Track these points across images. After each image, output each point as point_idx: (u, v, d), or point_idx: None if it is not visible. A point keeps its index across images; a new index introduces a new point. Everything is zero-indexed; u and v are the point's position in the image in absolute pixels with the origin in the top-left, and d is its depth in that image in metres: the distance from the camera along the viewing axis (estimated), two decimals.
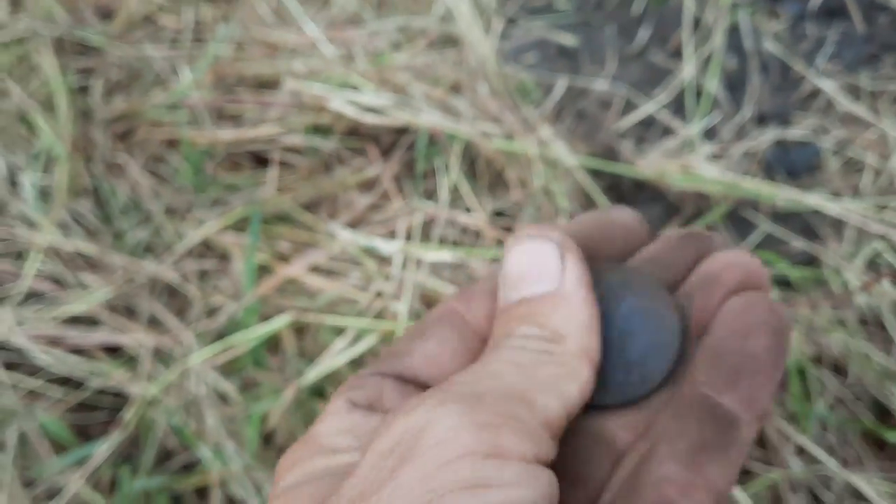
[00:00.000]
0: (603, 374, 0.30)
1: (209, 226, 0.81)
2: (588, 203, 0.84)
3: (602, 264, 0.33)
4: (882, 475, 0.66)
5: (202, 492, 0.76)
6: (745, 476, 0.69)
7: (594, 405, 0.31)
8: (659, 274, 0.34)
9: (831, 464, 0.63)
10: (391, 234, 0.80)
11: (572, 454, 0.29)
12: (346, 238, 0.76)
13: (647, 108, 0.90)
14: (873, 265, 0.80)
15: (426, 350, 0.32)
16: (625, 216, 0.35)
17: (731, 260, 0.31)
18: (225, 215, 0.81)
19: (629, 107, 0.91)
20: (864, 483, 0.63)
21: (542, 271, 0.29)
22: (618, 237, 0.35)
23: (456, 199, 0.83)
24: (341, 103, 0.81)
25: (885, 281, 0.74)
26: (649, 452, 0.28)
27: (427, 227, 0.81)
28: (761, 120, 0.93)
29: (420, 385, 0.31)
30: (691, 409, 0.28)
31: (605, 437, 0.30)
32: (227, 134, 0.84)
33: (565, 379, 0.27)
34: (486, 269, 0.35)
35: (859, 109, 0.90)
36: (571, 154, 0.81)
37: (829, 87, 0.92)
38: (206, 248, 0.82)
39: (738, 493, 0.60)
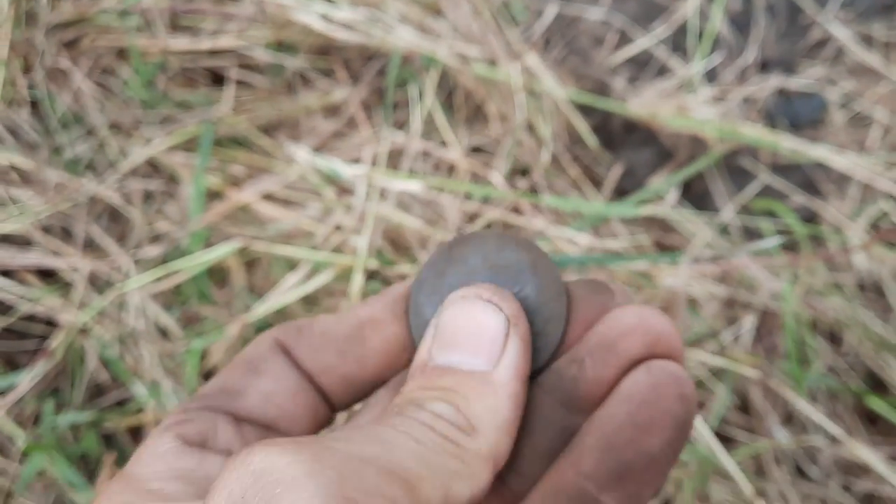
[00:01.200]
0: None
1: (157, 143, 0.73)
2: (574, 142, 0.77)
3: (497, 233, 0.30)
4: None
5: (136, 431, 0.70)
6: (728, 444, 0.64)
7: None
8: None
9: (831, 429, 0.57)
10: (355, 163, 0.73)
11: None
12: (304, 160, 0.69)
13: (643, 42, 0.83)
14: (876, 227, 0.74)
15: (260, 388, 0.29)
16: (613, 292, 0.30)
17: (635, 323, 0.27)
18: (174, 133, 0.74)
19: (624, 40, 0.84)
20: (866, 451, 0.57)
21: (481, 345, 0.26)
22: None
23: (430, 132, 0.76)
24: (309, 15, 0.73)
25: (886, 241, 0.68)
26: None
27: (396, 159, 0.74)
28: (764, 66, 0.86)
29: (259, 425, 0.29)
30: (568, 502, 0.25)
31: None
32: (181, 43, 0.76)
33: (461, 478, 0.23)
34: (324, 318, 0.30)
35: (872, 59, 0.83)
36: (559, 86, 0.74)
37: (841, 34, 0.85)
38: (153, 169, 0.75)
39: (725, 459, 0.54)
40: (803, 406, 0.58)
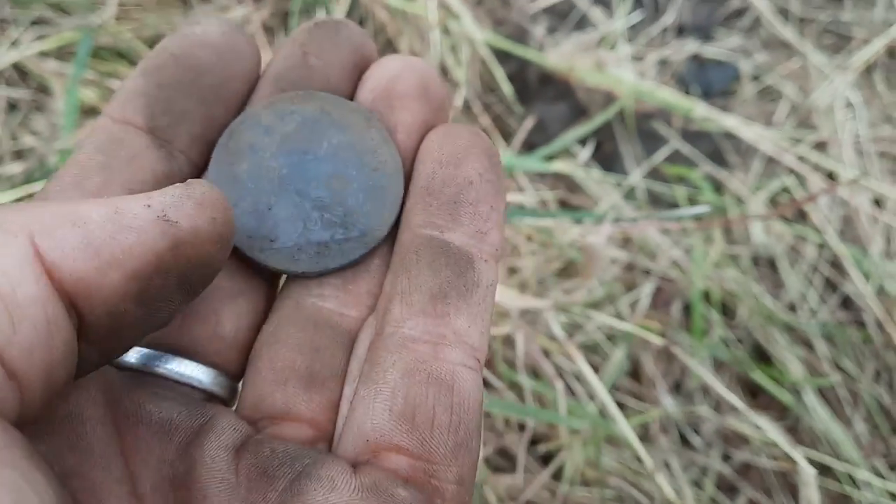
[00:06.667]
0: (310, 232, 0.26)
1: (26, 48, 0.65)
2: (488, 87, 0.74)
3: (294, 93, 0.27)
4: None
5: None
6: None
7: (303, 273, 0.26)
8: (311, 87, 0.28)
9: (728, 397, 0.57)
10: None
11: (299, 357, 0.25)
12: None
13: None
14: (776, 202, 0.74)
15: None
16: (211, 29, 0.27)
17: (402, 66, 0.27)
18: (48, 38, 0.66)
19: None
20: (764, 421, 0.57)
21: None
22: (207, 62, 0.26)
23: None
24: None
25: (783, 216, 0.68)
26: (383, 319, 0.24)
27: None
28: (682, 30, 0.85)
29: None
30: (419, 255, 0.24)
31: (328, 323, 0.25)
32: None
33: None
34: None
35: (787, 34, 0.83)
36: (477, 28, 0.70)
37: (760, 4, 0.84)
38: (20, 75, 0.67)
39: (624, 426, 0.53)
40: (703, 374, 0.58)
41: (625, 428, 0.47)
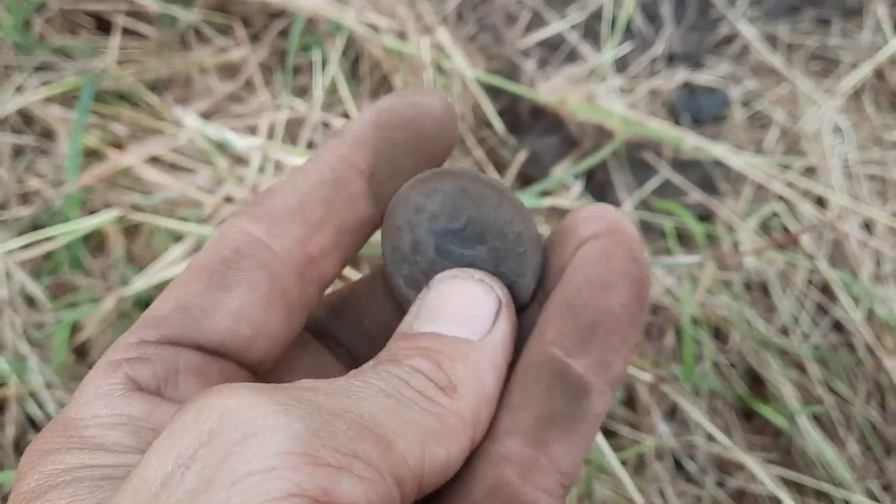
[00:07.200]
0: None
1: (31, 94, 0.67)
2: (482, 121, 0.75)
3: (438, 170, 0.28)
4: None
5: None
6: (611, 439, 0.64)
7: None
8: None
9: (714, 432, 0.58)
10: (251, 131, 0.68)
11: None
12: (193, 126, 0.64)
13: (556, 26, 0.81)
14: (766, 227, 0.76)
15: (231, 305, 0.24)
16: (435, 102, 0.28)
17: (592, 213, 0.26)
18: (52, 83, 0.68)
19: (537, 21, 0.82)
20: (746, 457, 0.58)
21: (470, 318, 0.25)
22: (429, 130, 0.28)
23: (333, 102, 0.72)
24: None
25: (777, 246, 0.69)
26: (490, 425, 0.24)
27: (295, 128, 0.70)
28: (672, 59, 0.86)
29: (227, 356, 0.25)
30: (538, 374, 0.24)
31: None
32: None
33: (439, 438, 0.21)
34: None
35: (775, 60, 0.85)
36: (468, 65, 0.72)
37: (748, 32, 0.86)
38: (25, 120, 0.69)
39: (611, 458, 0.54)
40: (690, 409, 0.59)
41: (614, 463, 0.48)
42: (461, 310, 0.25)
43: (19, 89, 0.68)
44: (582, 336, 0.24)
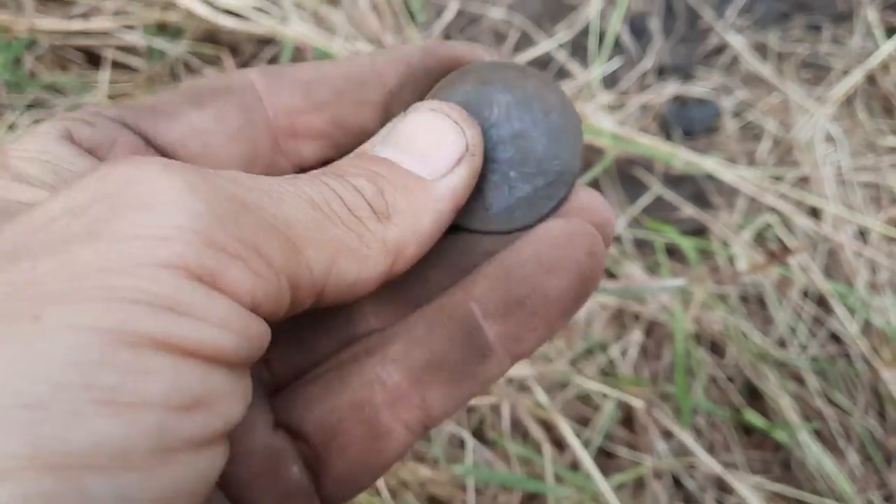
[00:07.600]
0: (516, 191, 0.26)
1: (23, 132, 0.67)
2: None
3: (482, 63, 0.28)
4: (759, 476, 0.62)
5: None
6: (610, 459, 0.64)
7: (521, 228, 0.26)
8: None
9: (707, 460, 0.58)
10: None
11: (309, 319, 0.26)
12: None
13: (545, 45, 0.82)
14: (761, 239, 0.76)
15: (197, 121, 0.25)
16: (484, 55, 0.28)
17: (582, 197, 0.26)
18: (43, 122, 0.68)
19: (525, 41, 0.82)
20: (736, 481, 0.58)
21: (431, 154, 0.24)
22: None
23: None
24: (193, 0, 0.68)
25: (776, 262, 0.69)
26: (381, 344, 0.24)
27: None
28: (662, 72, 0.86)
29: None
30: (448, 321, 0.24)
31: (352, 316, 0.26)
32: (49, 23, 0.70)
33: (354, 257, 0.21)
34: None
35: (765, 70, 0.85)
36: None
37: (737, 42, 0.86)
38: None
39: (602, 484, 0.54)
40: (680, 433, 0.59)
41: (607, 492, 0.48)
42: (425, 146, 0.24)
43: (11, 127, 0.68)
44: (506, 307, 0.24)
